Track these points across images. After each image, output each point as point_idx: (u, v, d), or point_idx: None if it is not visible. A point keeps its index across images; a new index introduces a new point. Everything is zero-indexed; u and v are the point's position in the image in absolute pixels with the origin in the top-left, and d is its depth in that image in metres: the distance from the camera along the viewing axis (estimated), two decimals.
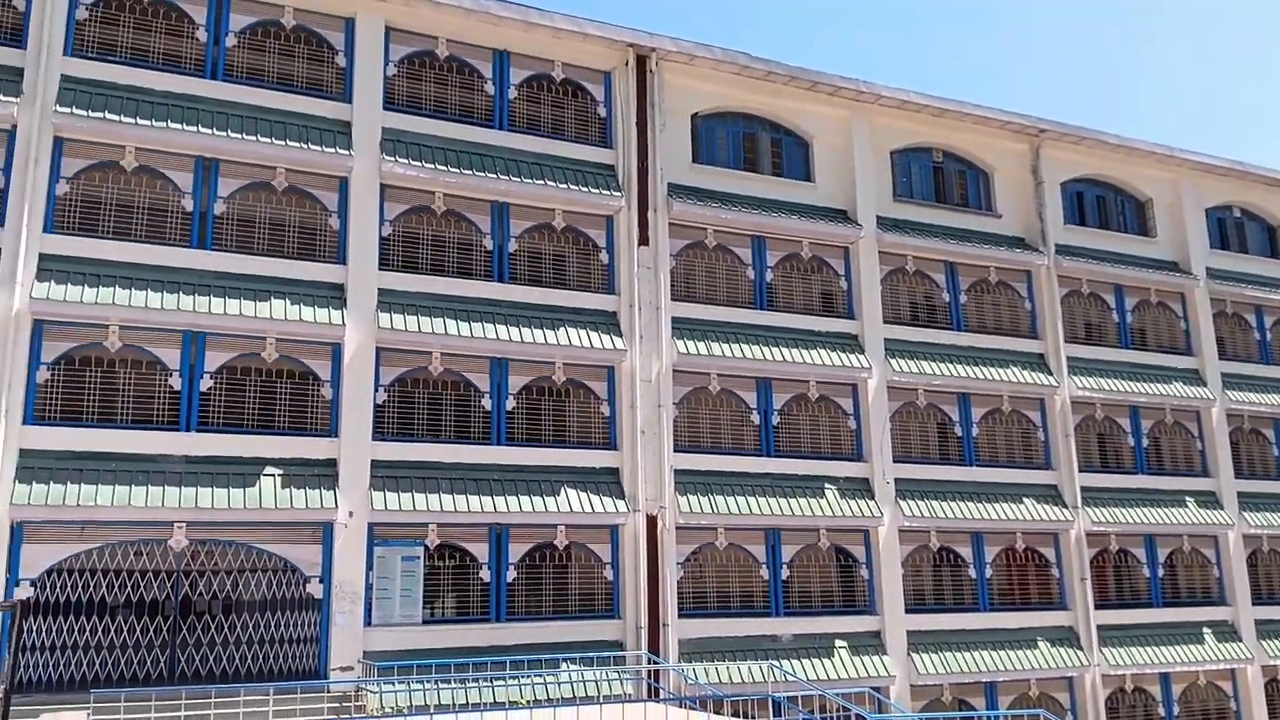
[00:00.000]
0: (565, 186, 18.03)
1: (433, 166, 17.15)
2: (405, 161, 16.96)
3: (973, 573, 20.09)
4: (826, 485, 18.98)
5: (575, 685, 15.36)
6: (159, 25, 16.25)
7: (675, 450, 17.96)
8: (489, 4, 17.84)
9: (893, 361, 19.96)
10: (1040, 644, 20.00)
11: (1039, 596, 20.76)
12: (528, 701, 14.45)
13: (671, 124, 19.35)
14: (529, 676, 15.17)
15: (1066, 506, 20.96)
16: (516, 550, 16.59)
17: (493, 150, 17.93)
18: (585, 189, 18.18)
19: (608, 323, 18.05)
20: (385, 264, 16.82)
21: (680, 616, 17.26)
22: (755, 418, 18.94)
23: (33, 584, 13.88)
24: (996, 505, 20.22)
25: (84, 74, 15.51)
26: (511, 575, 16.47)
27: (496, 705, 13.62)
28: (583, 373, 17.81)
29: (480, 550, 16.40)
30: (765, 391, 19.11)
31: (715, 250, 19.44)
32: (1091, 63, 58.80)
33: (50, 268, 14.67)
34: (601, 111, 19.08)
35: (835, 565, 19.03)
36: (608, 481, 17.39)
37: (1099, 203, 24.06)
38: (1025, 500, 20.63)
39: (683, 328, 18.51)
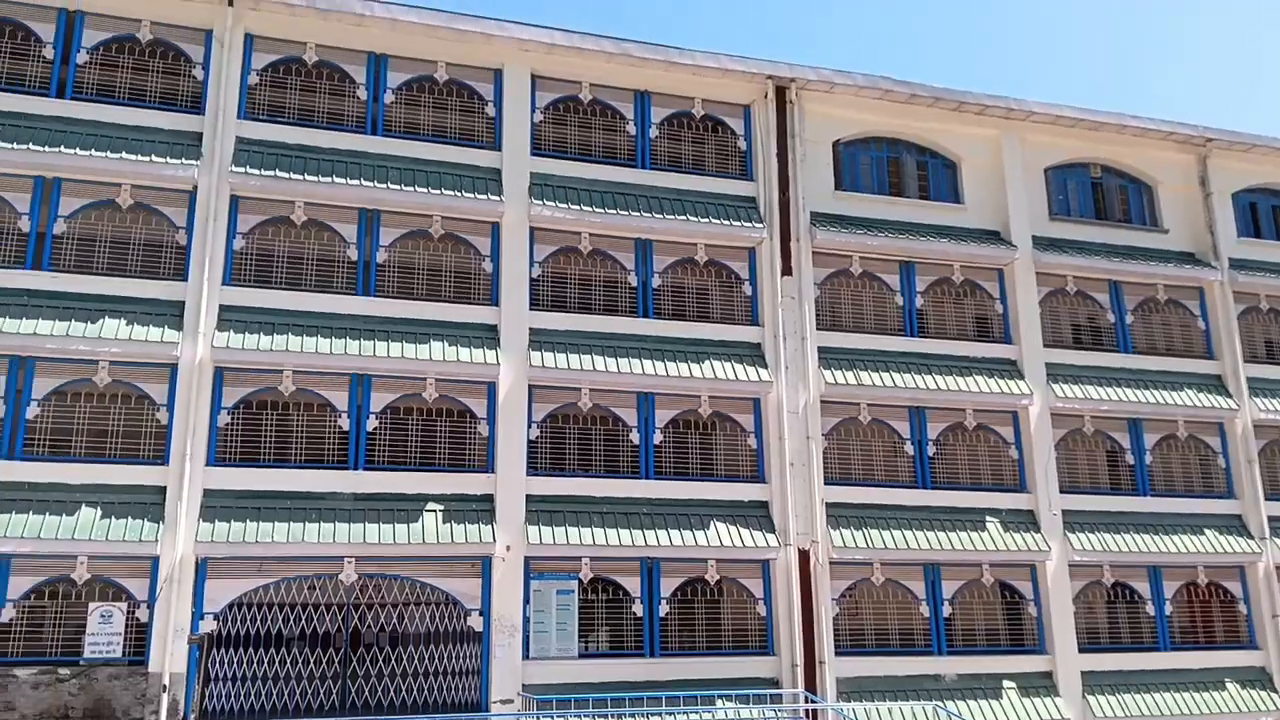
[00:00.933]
0: (707, 220, 18.04)
1: (579, 208, 17.46)
2: (552, 204, 17.32)
3: (1151, 609, 18.77)
4: (988, 518, 18.15)
5: None
6: (322, 86, 17.20)
7: (826, 483, 17.53)
8: (630, 46, 18.12)
9: (1055, 387, 19.00)
10: (1229, 686, 18.48)
11: (1225, 635, 19.23)
12: None
13: (812, 153, 19.13)
14: (685, 713, 15.00)
15: (1253, 537, 19.39)
16: (668, 584, 16.49)
17: (636, 189, 18.13)
18: (727, 222, 18.14)
19: (752, 354, 17.88)
20: (535, 304, 17.17)
21: (837, 654, 16.75)
22: (909, 448, 18.33)
23: (216, 618, 14.66)
24: (1175, 537, 18.87)
25: (256, 135, 16.53)
26: (664, 609, 16.37)
27: None
28: (729, 405, 17.66)
29: (632, 584, 16.38)
30: (919, 421, 18.47)
31: (861, 277, 19.03)
32: (1256, 66, 55.18)
33: (229, 318, 15.61)
34: (741, 144, 19.04)
35: (1000, 602, 18.12)
36: (757, 515, 17.13)
37: (1275, 213, 22.39)
38: (1206, 531, 19.19)
39: (830, 357, 18.15)
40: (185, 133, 16.21)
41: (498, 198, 17.12)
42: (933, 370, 18.51)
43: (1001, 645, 17.91)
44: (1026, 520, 18.35)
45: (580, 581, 16.21)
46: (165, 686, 14.07)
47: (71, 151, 15.39)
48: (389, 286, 16.67)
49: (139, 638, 14.35)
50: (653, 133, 18.62)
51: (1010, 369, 19.09)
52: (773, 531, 16.89)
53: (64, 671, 14.00)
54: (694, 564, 16.63)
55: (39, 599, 14.23)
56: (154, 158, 15.70)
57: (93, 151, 15.51)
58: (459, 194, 16.93)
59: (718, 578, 16.73)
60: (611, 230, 17.74)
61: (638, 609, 16.30)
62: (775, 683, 16.36)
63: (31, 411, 14.69)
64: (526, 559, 15.95)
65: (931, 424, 18.51)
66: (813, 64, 19.07)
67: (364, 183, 16.48)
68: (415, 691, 15.19)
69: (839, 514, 17.41)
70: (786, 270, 18.31)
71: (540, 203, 17.26)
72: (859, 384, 17.86)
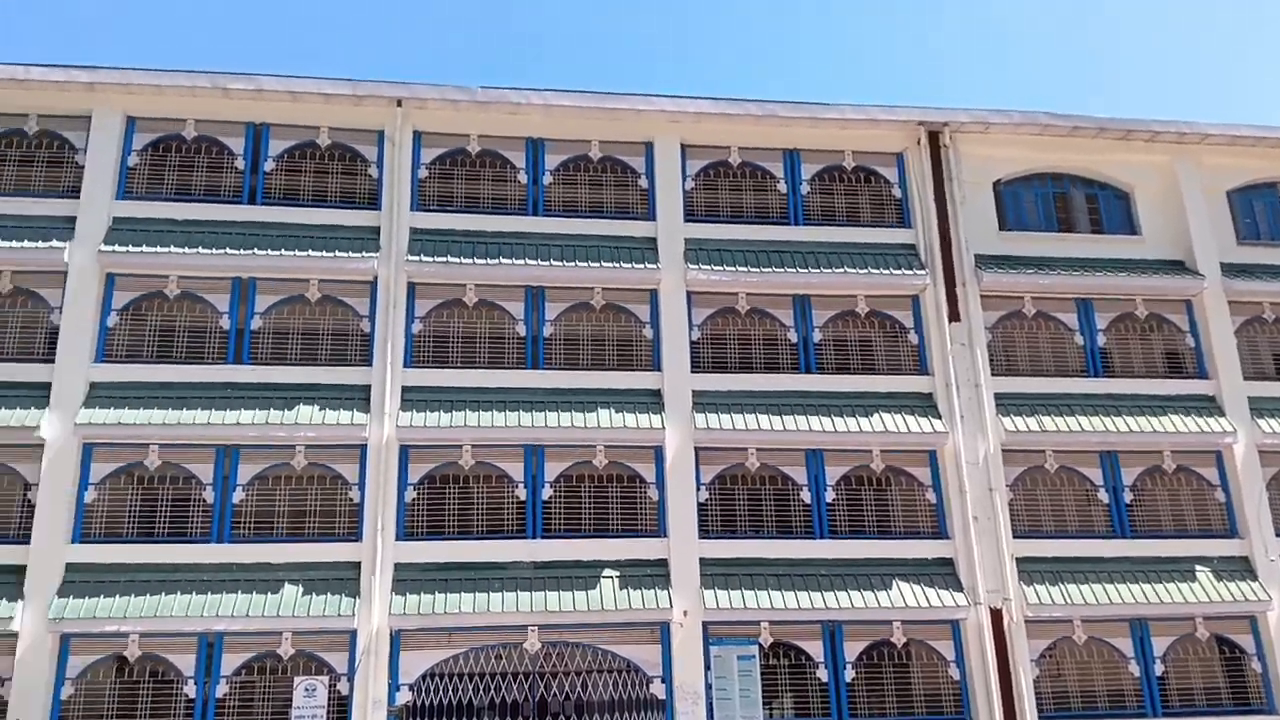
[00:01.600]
0: (865, 271, 17.99)
1: (734, 269, 17.74)
2: (708, 268, 17.67)
3: None
4: (1197, 567, 16.99)
5: None
6: (485, 174, 18.26)
7: (1014, 536, 16.88)
8: (776, 107, 18.47)
9: (1261, 422, 17.75)
10: None
11: None
12: None
13: (972, 195, 18.85)
14: None
15: None
16: (852, 648, 16.14)
17: (790, 245, 18.29)
18: (886, 271, 18.03)
19: (924, 405, 17.54)
20: (697, 366, 17.46)
21: None
22: (1103, 495, 17.45)
23: (411, 688, 15.29)
24: None
25: (428, 225, 17.65)
26: (850, 675, 16.01)
27: None
28: (902, 459, 17.34)
29: (815, 649, 16.13)
30: (1111, 466, 17.58)
31: (1035, 319, 18.45)
32: None
33: (411, 398, 16.55)
34: (896, 192, 18.98)
35: (1219, 658, 16.85)
36: (943, 573, 16.62)
37: None
38: None
39: (1007, 403, 17.60)
40: (364, 228, 17.48)
41: (654, 265, 17.62)
42: (1122, 411, 17.66)
43: (1224, 706, 16.60)
44: (1241, 568, 17.08)
45: (761, 646, 16.08)
46: None
47: (264, 253, 16.84)
48: (556, 358, 17.33)
49: (341, 710, 15.10)
50: (804, 189, 18.81)
51: (1209, 405, 18.00)
52: (960, 590, 16.35)
53: None
54: (878, 626, 16.24)
55: (249, 674, 15.22)
56: (337, 253, 16.98)
57: (282, 251, 16.91)
58: (618, 265, 17.52)
59: (905, 640, 16.26)
60: (768, 289, 17.92)
61: (822, 674, 16.01)
62: None
63: (237, 496, 15.92)
64: (704, 624, 15.97)
65: (1125, 469, 17.58)
66: (965, 105, 18.94)
67: (528, 261, 17.31)
68: None
69: (1031, 569, 16.68)
70: (954, 316, 17.98)
71: (696, 267, 17.64)
72: (1042, 430, 17.21)
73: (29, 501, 15.53)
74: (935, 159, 18.82)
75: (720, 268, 17.76)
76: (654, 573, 16.18)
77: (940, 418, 17.30)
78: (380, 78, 18.18)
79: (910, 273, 18.04)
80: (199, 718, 14.88)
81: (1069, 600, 16.26)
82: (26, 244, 16.37)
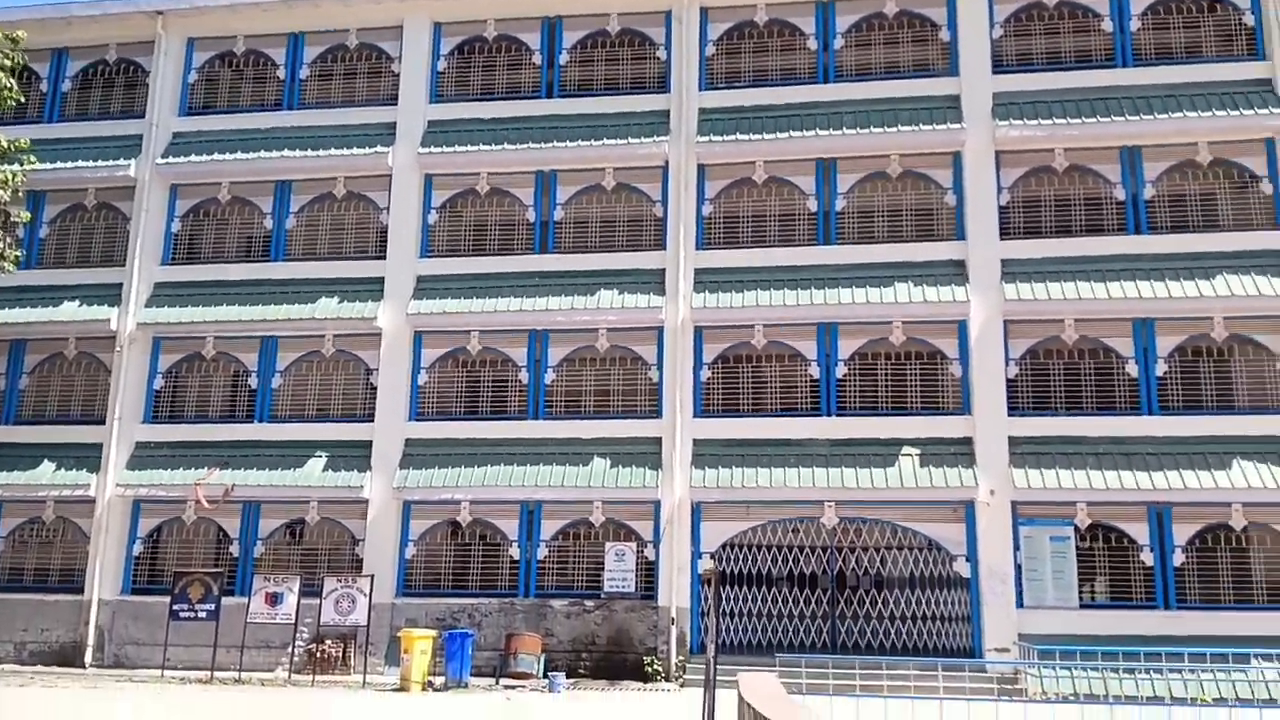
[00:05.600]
0: (1210, 114, 17.91)
1: (1050, 123, 18.32)
2: (1020, 123, 18.37)
3: None
4: None
5: (1270, 685, 15.12)
6: (773, 44, 20.01)
7: None
8: None
9: None
10: None
11: None
12: (1212, 699, 14.60)
13: None
14: (1210, 671, 15.24)
15: None
16: (1182, 531, 16.83)
17: (1115, 91, 18.56)
18: (1235, 112, 17.84)
19: (1270, 265, 17.37)
20: (1006, 233, 18.39)
21: None
22: None
23: (712, 556, 18.03)
24: None
25: (716, 104, 19.76)
26: (1179, 559, 16.75)
27: (1176, 700, 13.97)
28: (1250, 326, 17.45)
29: (1138, 531, 16.98)
30: None
31: None
32: None
33: (704, 280, 18.98)
34: (1248, 20, 18.49)
35: None
36: None
37: None
38: None
39: None
40: (655, 112, 19.90)
41: (958, 125, 18.61)
42: None
43: None
44: None
45: (1076, 528, 17.15)
46: (673, 619, 17.72)
47: (563, 144, 19.75)
48: (849, 233, 19.03)
49: (648, 574, 18.17)
50: (1134, 25, 18.83)
51: None
52: None
53: (589, 604, 18.22)
54: (1213, 508, 16.79)
55: (564, 540, 18.65)
56: (629, 140, 19.56)
57: (580, 142, 19.72)
58: (917, 128, 18.72)
59: (1244, 524, 16.65)
60: (1091, 141, 18.42)
61: (1147, 558, 16.86)
62: None
63: (548, 377, 19.24)
64: (1013, 503, 17.36)
65: None
66: None
67: (819, 132, 18.96)
68: (902, 635, 17.41)
69: None
70: None
71: (1006, 123, 18.39)
72: None
73: (371, 385, 19.72)
74: None
75: (1034, 121, 18.37)
76: (957, 451, 17.69)
77: None
78: None
79: (1265, 112, 17.75)
80: (523, 577, 18.53)
81: None
82: (355, 150, 20.37)
